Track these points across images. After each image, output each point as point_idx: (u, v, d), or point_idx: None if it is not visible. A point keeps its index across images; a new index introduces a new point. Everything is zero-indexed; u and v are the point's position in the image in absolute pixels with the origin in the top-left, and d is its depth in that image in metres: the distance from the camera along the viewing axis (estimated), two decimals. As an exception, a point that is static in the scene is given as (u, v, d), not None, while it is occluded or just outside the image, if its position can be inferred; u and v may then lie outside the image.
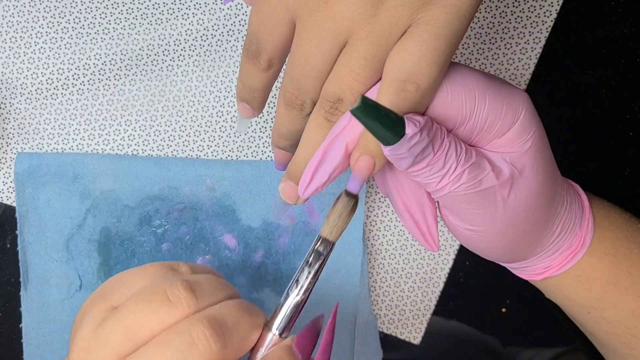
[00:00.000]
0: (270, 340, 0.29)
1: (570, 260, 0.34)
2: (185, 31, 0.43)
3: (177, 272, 0.29)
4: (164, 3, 0.43)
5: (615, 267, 0.34)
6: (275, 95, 0.44)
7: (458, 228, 0.32)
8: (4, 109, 0.43)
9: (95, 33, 0.43)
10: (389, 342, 0.46)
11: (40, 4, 0.43)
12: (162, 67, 0.43)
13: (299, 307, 0.29)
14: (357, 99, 0.23)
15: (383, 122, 0.25)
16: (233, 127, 0.44)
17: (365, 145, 0.29)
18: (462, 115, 0.29)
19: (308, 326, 0.30)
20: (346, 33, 0.28)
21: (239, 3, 0.43)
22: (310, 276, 0.29)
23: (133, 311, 0.27)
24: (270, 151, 0.44)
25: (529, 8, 0.43)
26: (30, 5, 0.43)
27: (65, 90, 0.43)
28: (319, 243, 0.30)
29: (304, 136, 0.31)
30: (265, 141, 0.44)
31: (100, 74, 0.43)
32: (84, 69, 0.43)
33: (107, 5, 0.43)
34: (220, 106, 0.44)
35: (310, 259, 0.29)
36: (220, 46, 0.43)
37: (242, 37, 0.43)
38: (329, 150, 0.29)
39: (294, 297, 0.29)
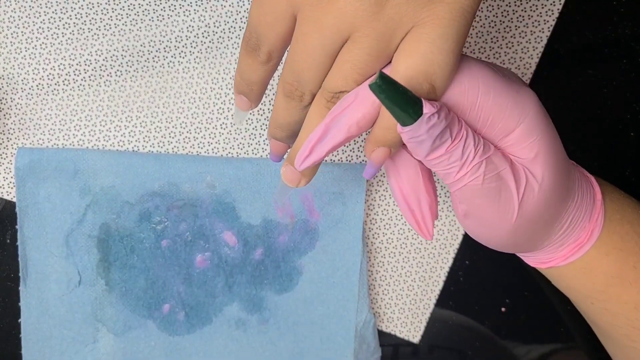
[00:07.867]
0: None
1: (575, 252, 0.34)
2: (187, 28, 0.43)
3: None
4: (165, -1, 0.43)
5: (622, 262, 0.34)
6: (273, 91, 0.44)
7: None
8: (5, 104, 0.43)
9: (96, 29, 0.43)
10: (388, 341, 0.46)
11: (42, -1, 0.43)
12: (163, 64, 0.43)
13: None
14: (375, 76, 0.24)
15: (401, 99, 0.26)
16: (234, 124, 0.44)
17: (384, 136, 0.29)
18: (462, 106, 0.29)
19: None
20: (349, 29, 0.28)
21: None
22: None
23: None
24: (270, 148, 0.44)
25: (530, 7, 0.43)
26: (31, 1, 0.43)
27: (66, 86, 0.43)
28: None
29: (306, 124, 0.31)
30: (266, 139, 0.44)
31: (101, 69, 0.43)
32: (85, 64, 0.43)
33: (108, 1, 0.43)
34: (221, 103, 0.44)
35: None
36: (221, 43, 0.43)
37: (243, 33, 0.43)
38: (330, 127, 0.29)
39: None
